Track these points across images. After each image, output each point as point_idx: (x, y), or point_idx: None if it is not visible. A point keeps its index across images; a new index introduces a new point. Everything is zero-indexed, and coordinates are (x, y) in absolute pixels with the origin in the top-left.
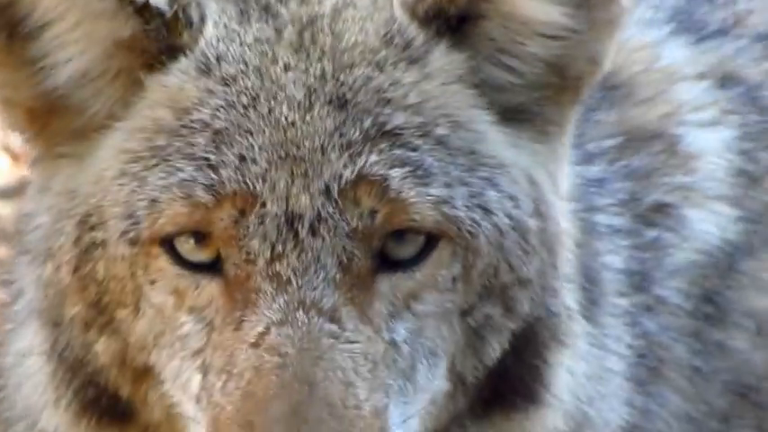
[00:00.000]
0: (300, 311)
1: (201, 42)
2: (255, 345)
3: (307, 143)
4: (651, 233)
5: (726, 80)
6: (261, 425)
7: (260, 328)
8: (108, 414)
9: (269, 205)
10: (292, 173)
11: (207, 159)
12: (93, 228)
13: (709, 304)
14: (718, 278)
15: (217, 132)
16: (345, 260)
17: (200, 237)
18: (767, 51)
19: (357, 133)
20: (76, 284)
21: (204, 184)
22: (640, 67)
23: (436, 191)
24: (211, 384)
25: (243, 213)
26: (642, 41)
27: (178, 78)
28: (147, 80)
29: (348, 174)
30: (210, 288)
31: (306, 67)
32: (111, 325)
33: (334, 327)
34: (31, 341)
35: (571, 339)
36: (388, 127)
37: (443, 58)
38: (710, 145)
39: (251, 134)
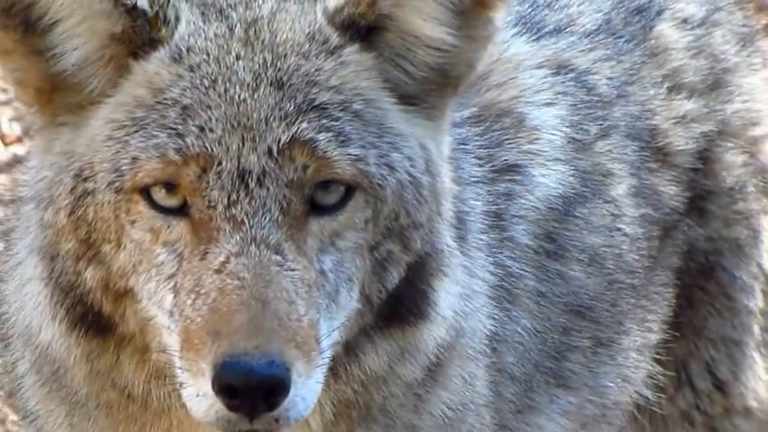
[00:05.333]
0: (253, 246)
1: (176, 36)
2: (218, 271)
3: (254, 115)
4: (504, 185)
5: (560, 68)
6: (225, 332)
7: (221, 258)
8: (93, 328)
9: (224, 164)
10: (243, 138)
11: (176, 129)
12: (85, 179)
13: (550, 242)
14: (557, 222)
15: (184, 108)
16: (285, 205)
17: (171, 187)
18: (593, 44)
19: (292, 107)
20: (71, 225)
21: (174, 148)
22: (493, 59)
23: (353, 151)
24: (182, 302)
25: (204, 170)
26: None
27: (156, 65)
28: (132, 66)
29: (285, 137)
30: (180, 227)
31: (252, 56)
32: (98, 257)
33: (278, 257)
34: (31, 272)
35: (451, 270)
36: (316, 103)
37: (355, 55)
38: (549, 120)
39: (210, 109)
